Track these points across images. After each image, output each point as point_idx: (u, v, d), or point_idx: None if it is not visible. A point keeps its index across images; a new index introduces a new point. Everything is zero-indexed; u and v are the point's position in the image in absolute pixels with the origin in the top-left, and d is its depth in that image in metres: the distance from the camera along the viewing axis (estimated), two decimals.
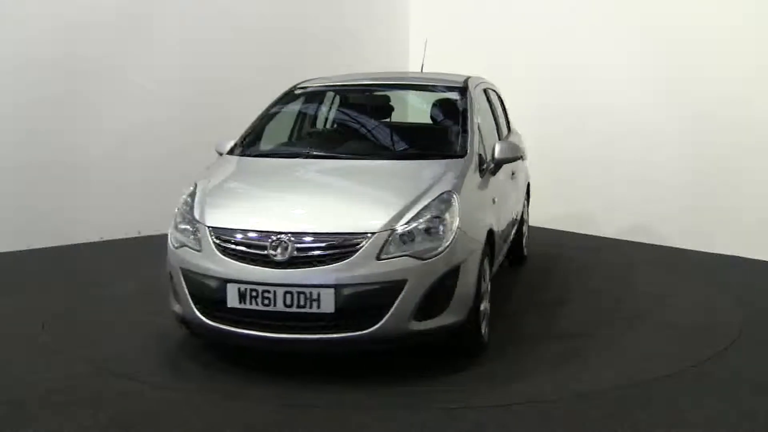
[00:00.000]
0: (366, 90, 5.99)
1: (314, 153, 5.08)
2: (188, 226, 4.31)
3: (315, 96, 5.93)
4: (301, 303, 3.89)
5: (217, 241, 4.11)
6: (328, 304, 3.88)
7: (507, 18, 8.88)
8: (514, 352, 4.55)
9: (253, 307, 3.94)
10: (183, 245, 4.26)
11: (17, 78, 7.04)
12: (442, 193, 4.26)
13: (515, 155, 5.06)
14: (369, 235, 3.96)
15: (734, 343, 4.77)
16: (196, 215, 4.30)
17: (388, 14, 9.90)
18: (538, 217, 7.75)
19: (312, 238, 3.98)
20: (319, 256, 3.94)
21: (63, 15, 7.24)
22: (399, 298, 3.93)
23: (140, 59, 7.76)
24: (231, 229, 4.13)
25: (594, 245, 7.73)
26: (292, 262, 3.93)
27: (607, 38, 7.98)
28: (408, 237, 4.03)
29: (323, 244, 3.96)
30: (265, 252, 3.97)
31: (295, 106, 5.80)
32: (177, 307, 4.34)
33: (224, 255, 4.05)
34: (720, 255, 7.10)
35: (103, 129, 7.58)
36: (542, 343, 4.72)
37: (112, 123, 7.62)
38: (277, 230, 4.01)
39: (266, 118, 5.48)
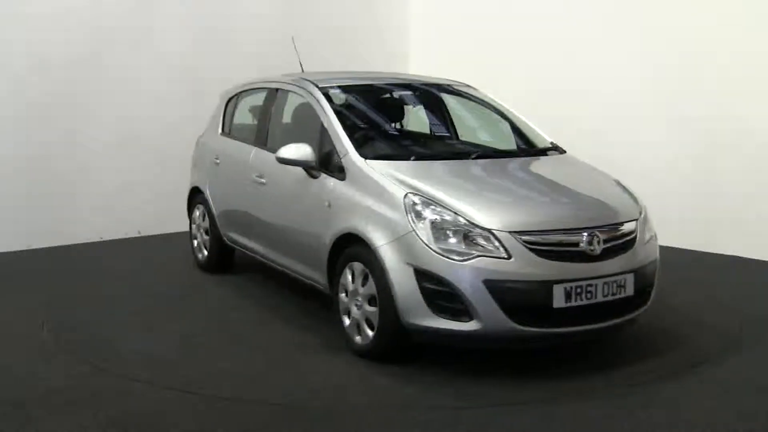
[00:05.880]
0: (412, 90, 5.98)
1: (477, 154, 5.06)
2: (472, 236, 4.04)
3: (356, 92, 5.65)
4: (614, 291, 4.19)
5: (528, 245, 4.03)
6: (630, 287, 4.25)
7: (507, 19, 8.86)
8: (509, 352, 4.55)
9: (577, 303, 4.08)
10: (477, 256, 3.99)
11: (17, 78, 7.04)
12: (615, 181, 4.94)
13: None
14: (635, 222, 4.46)
15: (734, 343, 4.78)
16: (480, 222, 4.06)
17: (389, 14, 9.89)
18: None
19: (614, 230, 4.31)
20: (616, 245, 4.27)
21: (63, 15, 7.23)
22: (656, 275, 4.54)
23: (140, 59, 7.75)
24: (540, 231, 4.10)
25: None
26: (603, 254, 4.18)
27: (606, 39, 7.96)
28: (644, 220, 4.58)
29: (619, 233, 4.33)
30: (580, 248, 4.13)
31: (351, 108, 5.48)
32: (464, 325, 4.00)
33: (542, 257, 4.04)
34: (720, 255, 7.10)
35: (103, 129, 7.57)
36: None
37: (112, 123, 7.62)
38: (589, 225, 4.21)
39: (349, 121, 5.15)
